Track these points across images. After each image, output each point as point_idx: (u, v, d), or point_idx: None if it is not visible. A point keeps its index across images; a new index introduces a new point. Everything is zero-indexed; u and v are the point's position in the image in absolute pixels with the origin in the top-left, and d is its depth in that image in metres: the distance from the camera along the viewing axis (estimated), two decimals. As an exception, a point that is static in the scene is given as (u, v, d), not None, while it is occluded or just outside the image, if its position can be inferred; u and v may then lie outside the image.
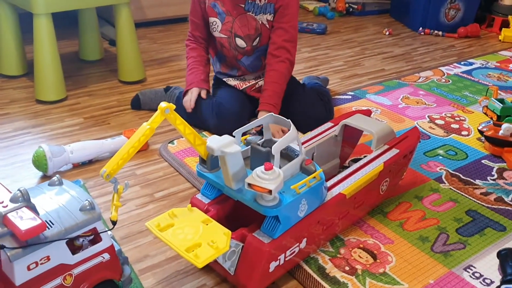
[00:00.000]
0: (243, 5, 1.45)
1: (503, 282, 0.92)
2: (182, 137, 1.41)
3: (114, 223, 0.79)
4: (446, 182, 1.26)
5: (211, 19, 1.48)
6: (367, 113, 1.31)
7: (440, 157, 1.38)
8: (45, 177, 1.23)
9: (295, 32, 1.48)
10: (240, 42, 1.47)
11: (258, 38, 1.47)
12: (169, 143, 1.42)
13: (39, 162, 1.21)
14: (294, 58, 1.49)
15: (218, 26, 1.47)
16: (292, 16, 1.46)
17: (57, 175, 0.84)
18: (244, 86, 1.54)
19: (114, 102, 1.67)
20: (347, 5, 2.92)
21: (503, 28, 2.57)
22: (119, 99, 1.68)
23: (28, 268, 0.70)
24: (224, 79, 1.56)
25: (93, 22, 1.92)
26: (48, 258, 0.72)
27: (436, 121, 1.60)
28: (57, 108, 1.59)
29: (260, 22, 1.46)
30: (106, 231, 0.79)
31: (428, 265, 0.97)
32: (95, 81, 1.81)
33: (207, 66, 1.55)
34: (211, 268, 0.93)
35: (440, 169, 1.32)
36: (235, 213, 0.96)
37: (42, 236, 0.71)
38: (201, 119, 1.47)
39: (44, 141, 1.39)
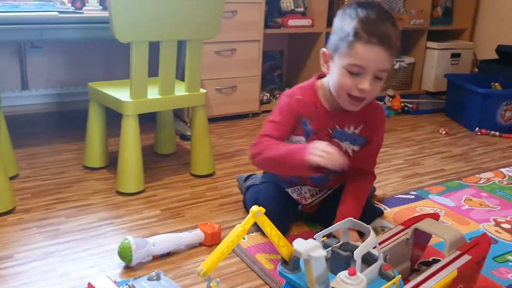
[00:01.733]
0: (331, 131, 1.42)
1: None
2: (253, 232, 1.49)
3: (209, 319, 0.86)
4: (519, 290, 1.26)
5: (297, 138, 1.43)
6: (435, 217, 1.35)
7: (510, 263, 1.38)
8: (127, 267, 1.31)
9: (378, 150, 1.54)
10: None
11: None
12: (240, 237, 1.48)
13: (125, 253, 1.30)
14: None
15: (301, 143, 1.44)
16: (379, 142, 1.52)
17: (155, 271, 0.92)
18: (304, 203, 1.54)
19: (187, 195, 1.78)
20: (402, 104, 3.03)
21: (561, 130, 2.59)
22: (191, 192, 1.80)
23: None
24: (286, 189, 1.54)
25: (169, 119, 2.10)
26: None
27: (502, 225, 1.61)
28: (135, 200, 1.71)
29: (344, 150, 1.44)
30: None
31: None
32: (169, 174, 1.95)
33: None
34: None
35: (512, 276, 1.32)
36: (315, 314, 1.00)
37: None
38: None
39: (125, 232, 1.50)
